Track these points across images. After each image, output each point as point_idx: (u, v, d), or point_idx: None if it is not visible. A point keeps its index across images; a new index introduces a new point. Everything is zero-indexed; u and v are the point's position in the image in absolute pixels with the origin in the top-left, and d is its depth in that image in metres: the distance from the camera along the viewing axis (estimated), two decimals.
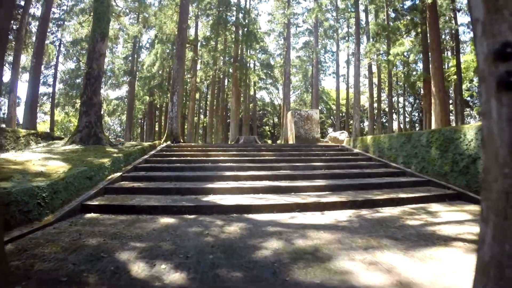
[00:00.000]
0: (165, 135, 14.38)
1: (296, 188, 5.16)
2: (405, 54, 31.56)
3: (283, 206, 4.26)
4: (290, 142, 12.56)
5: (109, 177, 5.52)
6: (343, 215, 4.21)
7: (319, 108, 38.22)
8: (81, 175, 4.84)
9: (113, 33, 20.98)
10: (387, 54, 26.70)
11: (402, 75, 36.09)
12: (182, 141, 13.93)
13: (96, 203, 4.35)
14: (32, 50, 15.08)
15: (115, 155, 6.45)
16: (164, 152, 8.54)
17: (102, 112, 41.24)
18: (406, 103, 37.56)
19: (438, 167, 6.48)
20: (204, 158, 7.73)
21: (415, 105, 35.42)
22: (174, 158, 7.70)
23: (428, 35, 16.52)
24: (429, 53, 20.12)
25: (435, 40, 15.81)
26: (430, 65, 16.27)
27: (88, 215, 4.14)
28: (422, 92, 36.35)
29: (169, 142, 13.30)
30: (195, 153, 8.38)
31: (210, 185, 5.16)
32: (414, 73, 36.28)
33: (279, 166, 6.73)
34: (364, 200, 4.74)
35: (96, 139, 8.19)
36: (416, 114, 38.25)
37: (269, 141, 58.17)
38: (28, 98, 13.52)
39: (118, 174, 5.75)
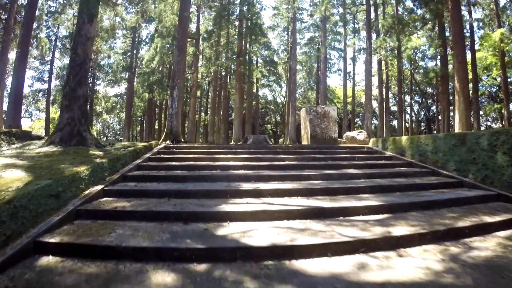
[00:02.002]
0: (164, 134, 12.86)
1: (344, 211, 3.66)
2: (416, 49, 30.14)
3: (340, 245, 2.76)
4: (305, 142, 11.06)
5: (86, 193, 4.00)
6: (432, 258, 2.73)
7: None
8: (42, 192, 3.33)
9: (110, 24, 19.38)
10: (398, 49, 25.29)
11: (409, 73, 34.73)
12: (183, 140, 12.41)
13: (57, 239, 2.83)
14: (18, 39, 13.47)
15: (97, 160, 4.93)
16: (161, 155, 7.02)
17: (100, 110, 39.61)
18: (412, 102, 36.14)
19: (509, 177, 5.01)
20: (211, 163, 6.23)
21: (422, 104, 33.98)
22: (173, 163, 6.18)
23: (450, 27, 15.07)
24: (445, 48, 18.68)
25: (458, 32, 14.30)
26: (453, 60, 14.77)
27: (44, 260, 2.62)
28: (428, 90, 34.91)
29: (168, 142, 11.79)
30: (199, 156, 6.88)
31: (224, 207, 3.65)
32: (422, 70, 34.85)
33: (307, 175, 5.22)
34: (446, 229, 3.27)
35: (79, 139, 6.66)
36: (423, 113, 36.83)
37: (271, 140, 56.68)
38: (12, 92, 11.94)
39: (99, 187, 4.23)
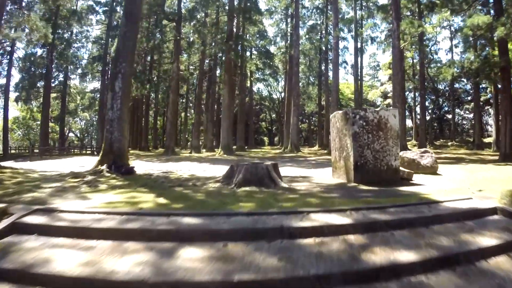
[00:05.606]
0: (102, 151, 7.61)
1: None
2: (429, 39, 25.39)
3: None
4: (341, 173, 5.94)
5: None
6: None
7: (321, 104, 31.41)
8: None
9: None
10: (420, 36, 20.35)
11: (413, 69, 29.99)
12: (129, 165, 7.19)
13: None
14: None
15: None
16: None
17: (74, 107, 33.59)
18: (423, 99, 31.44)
19: None
20: None
21: (435, 102, 29.25)
22: None
23: None
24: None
25: None
26: None
27: None
28: (439, 87, 30.06)
29: (104, 167, 6.57)
30: None
31: None
32: (439, 63, 29.97)
33: None
34: None
35: None
36: (432, 112, 32.12)
37: (265, 138, 51.34)
38: None
39: None
